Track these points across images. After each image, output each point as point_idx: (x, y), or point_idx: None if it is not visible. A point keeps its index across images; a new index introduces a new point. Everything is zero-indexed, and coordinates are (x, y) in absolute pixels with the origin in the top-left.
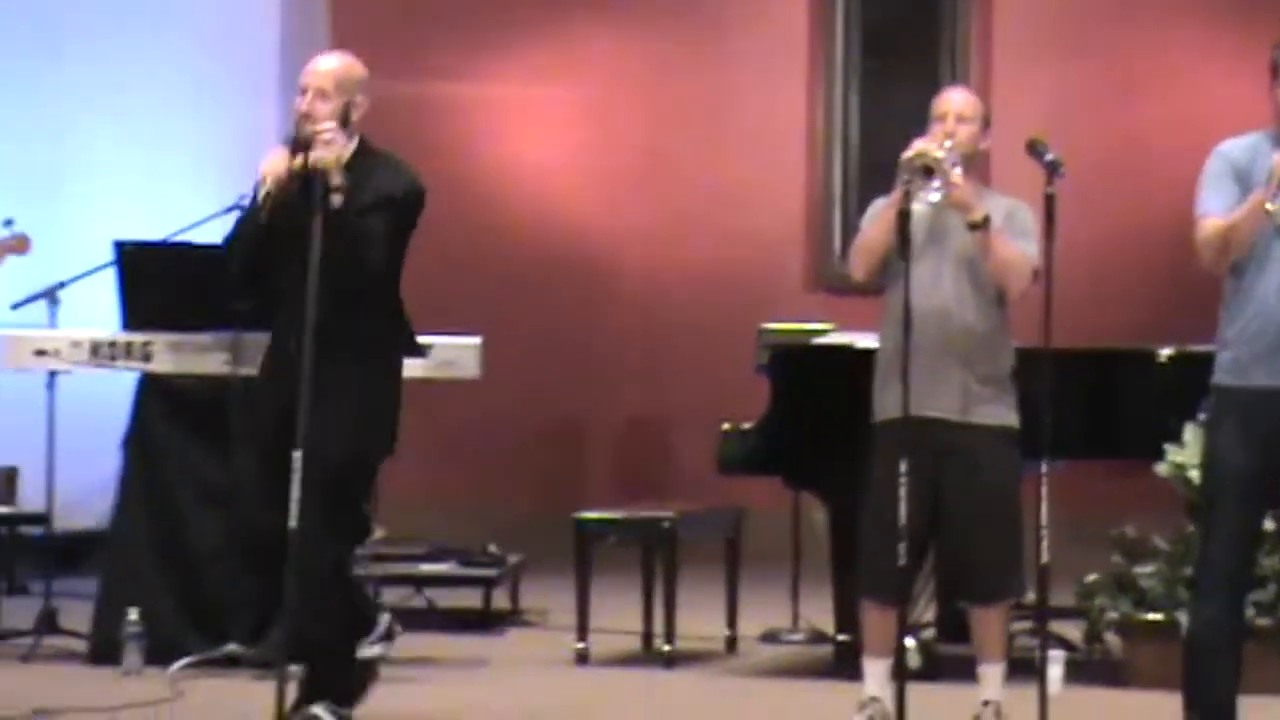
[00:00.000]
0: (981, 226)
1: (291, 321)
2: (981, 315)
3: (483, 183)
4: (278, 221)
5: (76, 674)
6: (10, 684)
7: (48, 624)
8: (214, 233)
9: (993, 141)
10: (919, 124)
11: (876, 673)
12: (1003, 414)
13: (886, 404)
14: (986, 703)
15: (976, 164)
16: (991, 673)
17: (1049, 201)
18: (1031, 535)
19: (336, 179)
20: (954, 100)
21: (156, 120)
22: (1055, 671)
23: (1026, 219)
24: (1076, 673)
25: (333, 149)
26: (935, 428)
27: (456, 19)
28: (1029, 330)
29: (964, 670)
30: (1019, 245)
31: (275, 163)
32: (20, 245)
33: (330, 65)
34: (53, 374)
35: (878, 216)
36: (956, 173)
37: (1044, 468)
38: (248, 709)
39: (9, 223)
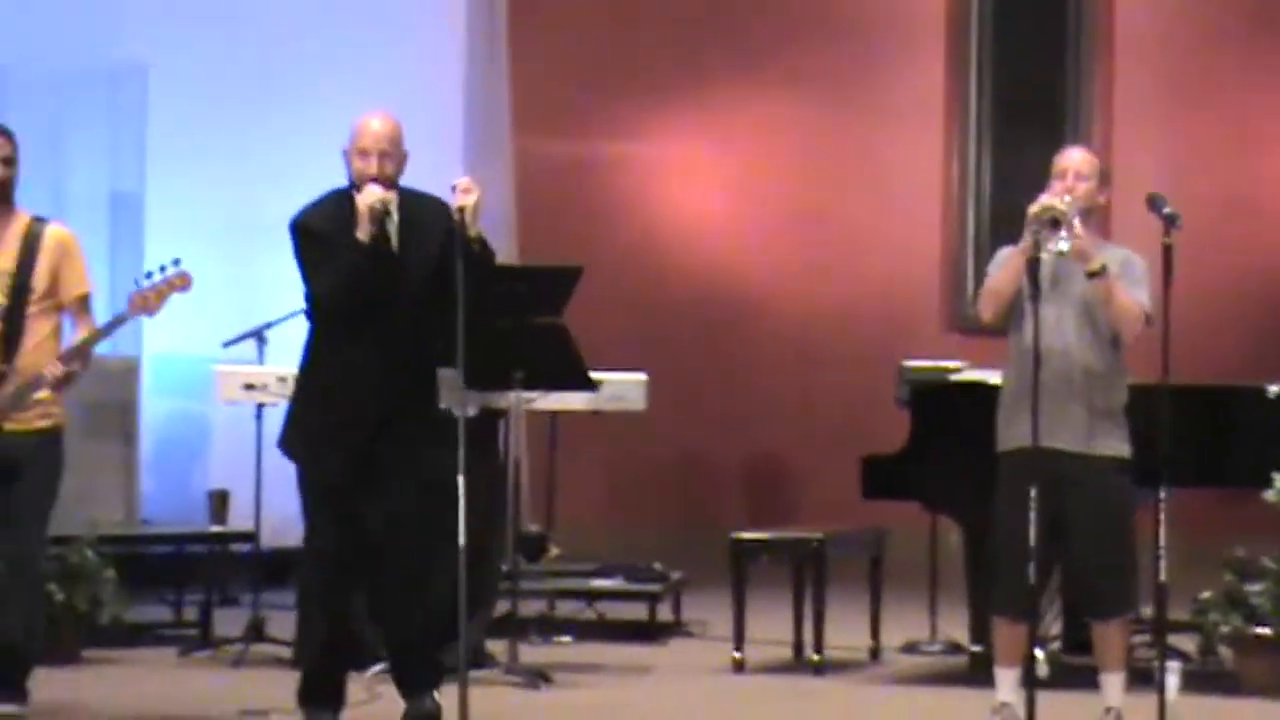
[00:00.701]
0: (1099, 275)
1: (377, 346)
2: (1099, 355)
3: (648, 234)
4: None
5: (281, 677)
6: (222, 686)
7: (255, 632)
8: None
9: (1115, 196)
10: (1045, 177)
11: (1007, 680)
12: (1118, 446)
13: (1011, 436)
14: (1109, 709)
15: (1094, 217)
16: (1112, 681)
17: (1167, 251)
18: (1151, 556)
19: (474, 229)
20: (1074, 158)
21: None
22: (1173, 681)
23: (1140, 268)
24: (1192, 682)
25: (471, 196)
26: (1058, 458)
27: (624, 87)
28: (1150, 367)
29: (1088, 679)
30: (1133, 294)
31: (378, 189)
32: (181, 283)
33: (387, 128)
34: (260, 406)
35: (1006, 264)
36: (1077, 225)
37: (1163, 495)
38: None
39: (176, 262)
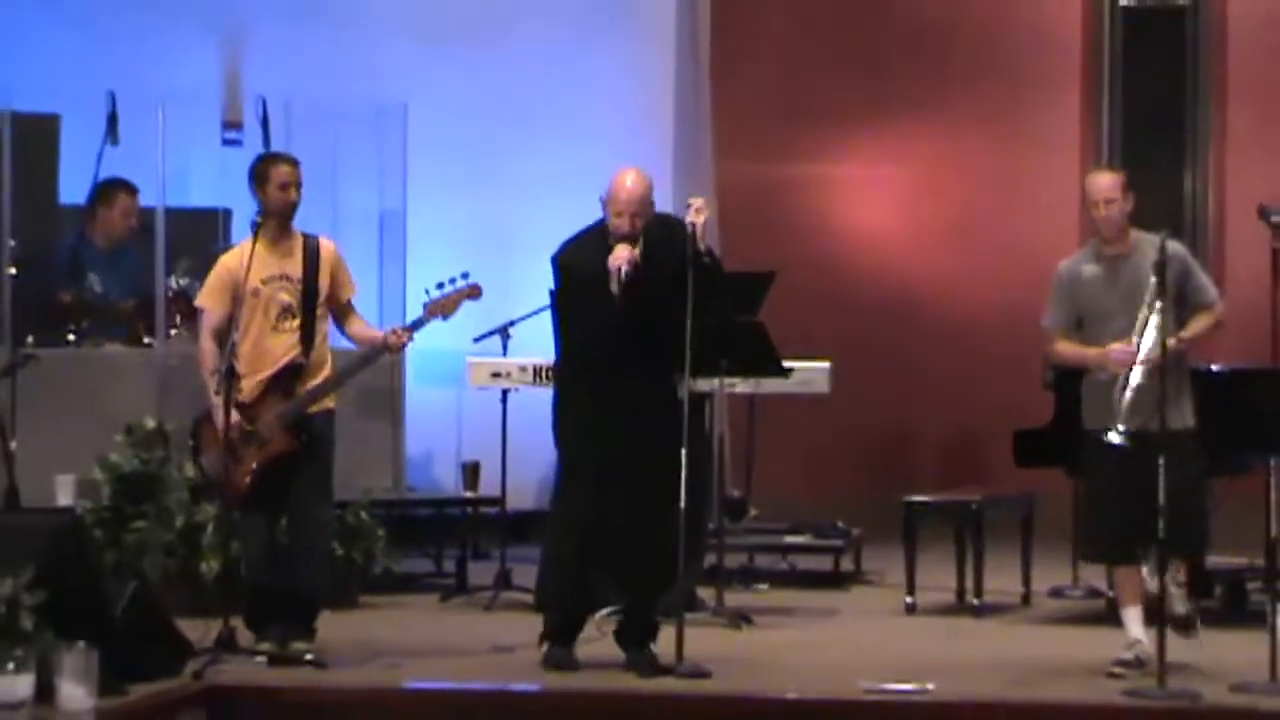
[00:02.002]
0: (1180, 343)
1: (625, 357)
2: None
3: (832, 244)
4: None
5: (525, 619)
6: (476, 627)
7: (503, 581)
8: None
9: (1229, 206)
10: (1168, 193)
11: (1133, 618)
12: (1186, 419)
13: (1093, 419)
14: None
15: (1126, 222)
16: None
17: (1275, 255)
18: (1262, 512)
19: (704, 243)
20: (1101, 186)
21: (579, 199)
22: None
23: (1191, 265)
24: None
25: (703, 215)
26: (1145, 436)
27: (810, 118)
28: (1262, 355)
29: (1208, 619)
30: (1202, 300)
31: (624, 252)
32: (474, 293)
33: (639, 189)
34: (505, 391)
35: (1080, 359)
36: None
37: (1273, 463)
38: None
39: (465, 275)
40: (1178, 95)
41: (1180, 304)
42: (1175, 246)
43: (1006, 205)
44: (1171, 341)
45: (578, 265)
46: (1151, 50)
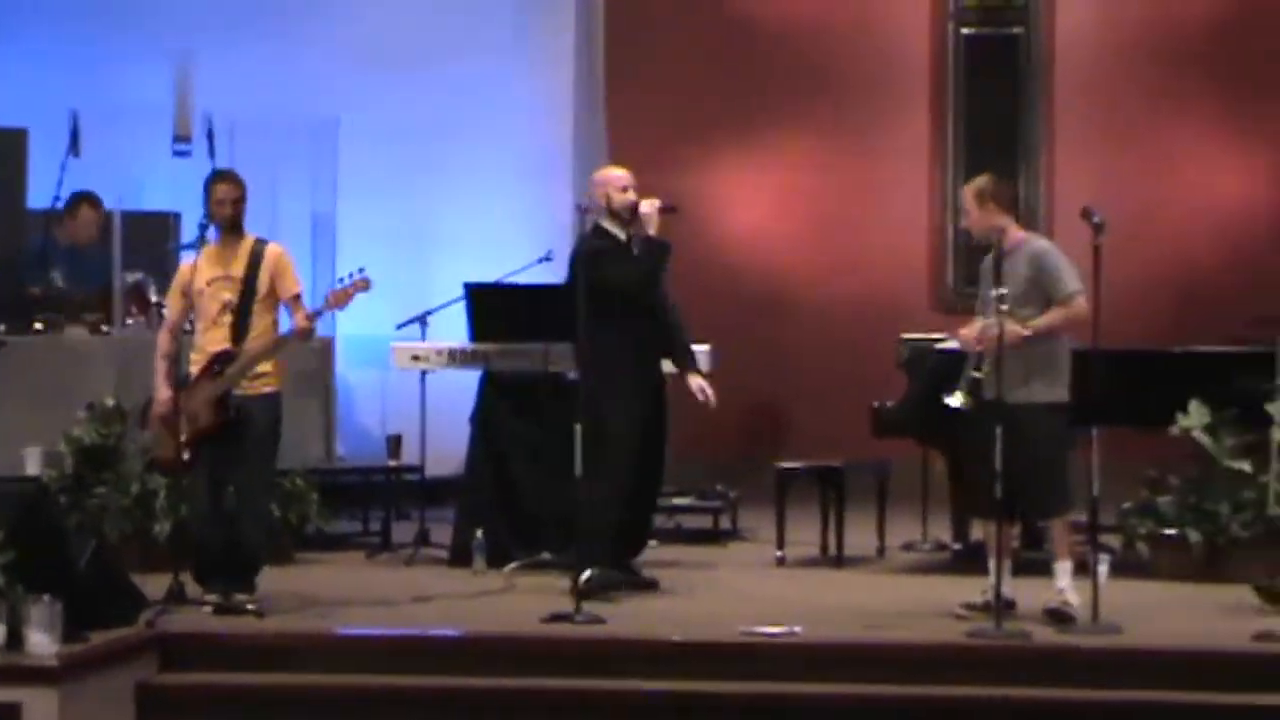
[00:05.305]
0: (1030, 336)
1: (646, 331)
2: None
3: (715, 242)
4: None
5: (442, 573)
6: (397, 580)
7: (422, 539)
8: (535, 275)
9: (1057, 208)
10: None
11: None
12: (1034, 395)
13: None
14: (1061, 590)
15: (993, 229)
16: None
17: (1096, 251)
18: (1086, 476)
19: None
20: (963, 194)
21: (490, 203)
22: (1103, 569)
23: (1050, 262)
24: (1117, 570)
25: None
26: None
27: (696, 133)
28: (1084, 336)
29: (1038, 568)
30: (1059, 298)
31: (653, 204)
32: (364, 285)
33: (626, 171)
34: (424, 372)
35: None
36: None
37: (1094, 432)
38: (557, 595)
39: (361, 270)
40: (1012, 110)
41: (1044, 298)
42: (1039, 245)
43: (865, 208)
44: (1017, 328)
45: (595, 248)
46: (990, 71)
